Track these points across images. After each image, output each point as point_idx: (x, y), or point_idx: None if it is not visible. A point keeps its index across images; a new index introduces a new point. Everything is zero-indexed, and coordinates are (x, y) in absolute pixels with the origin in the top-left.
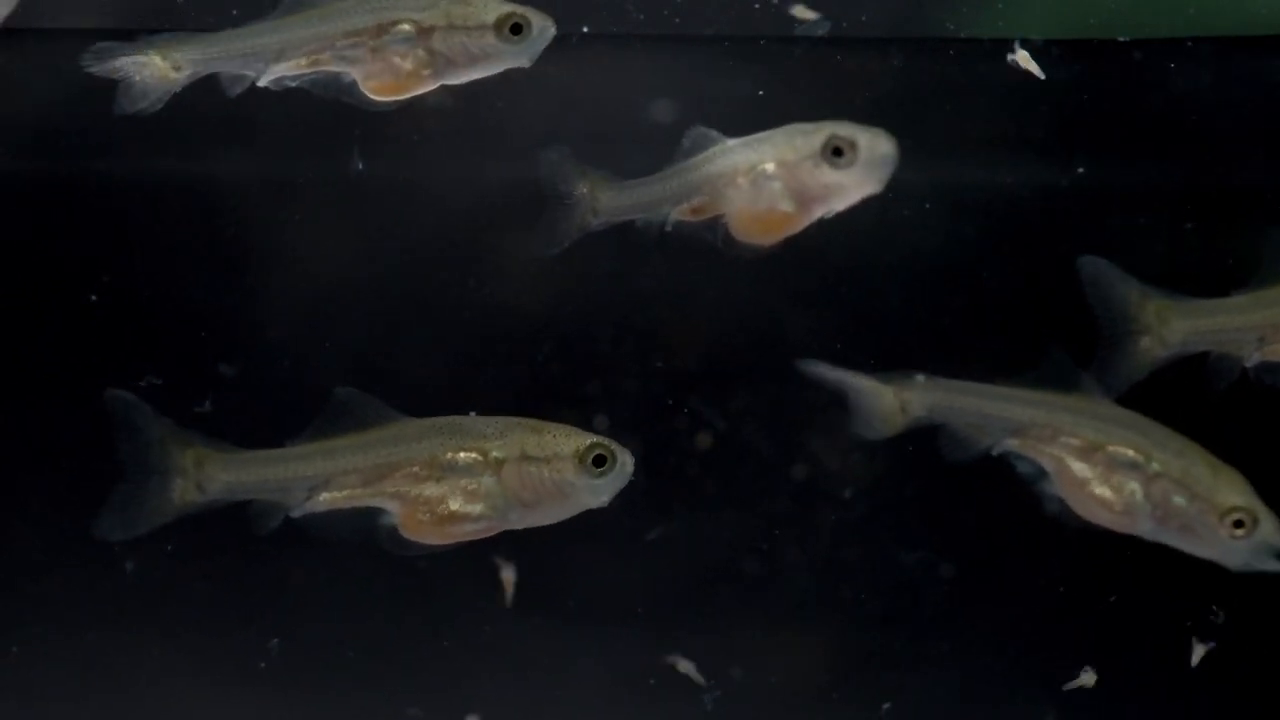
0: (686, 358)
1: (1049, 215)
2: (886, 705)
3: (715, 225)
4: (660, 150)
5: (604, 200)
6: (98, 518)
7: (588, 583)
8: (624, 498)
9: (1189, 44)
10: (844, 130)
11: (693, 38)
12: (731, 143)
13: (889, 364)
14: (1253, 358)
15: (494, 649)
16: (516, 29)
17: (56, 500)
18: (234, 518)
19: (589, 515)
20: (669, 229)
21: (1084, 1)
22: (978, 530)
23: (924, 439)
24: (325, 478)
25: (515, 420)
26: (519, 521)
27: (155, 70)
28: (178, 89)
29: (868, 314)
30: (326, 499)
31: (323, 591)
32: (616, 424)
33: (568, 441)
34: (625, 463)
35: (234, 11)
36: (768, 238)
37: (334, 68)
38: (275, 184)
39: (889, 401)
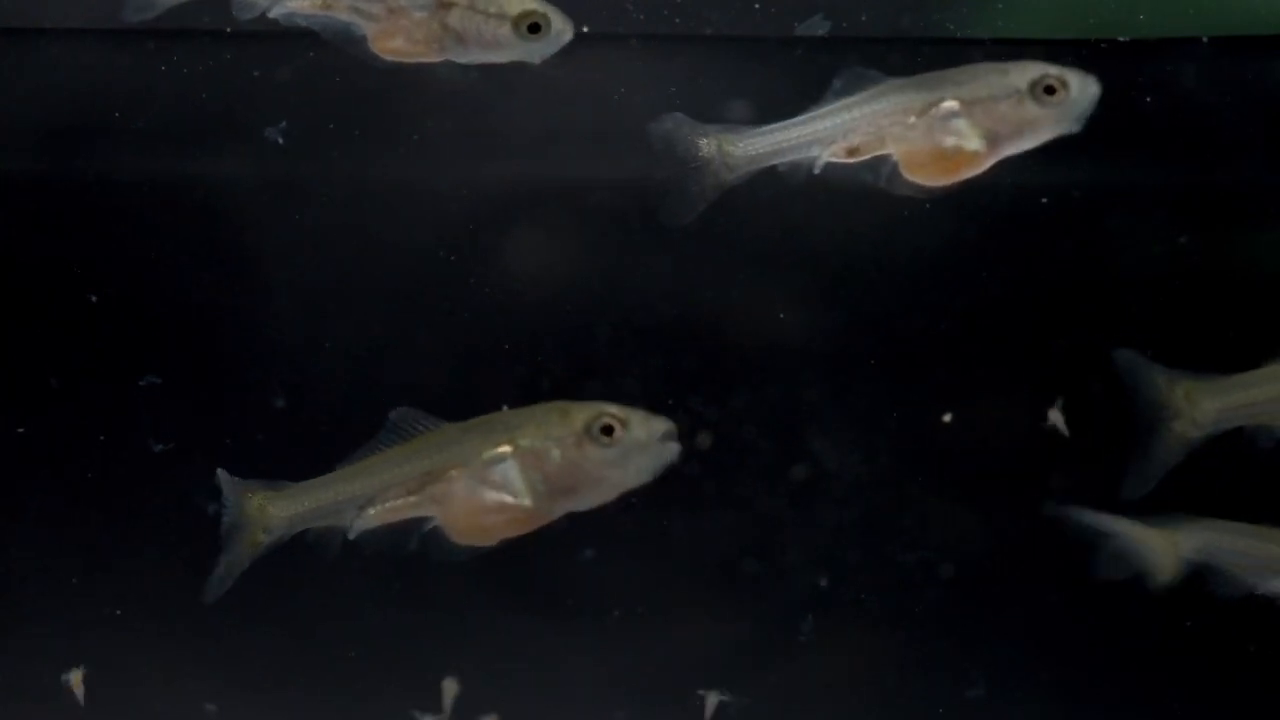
0: (686, 358)
1: (1049, 215)
2: (886, 704)
3: (878, 166)
4: (659, 151)
5: (736, 153)
6: (204, 587)
7: (588, 583)
8: (624, 498)
9: (1189, 44)
10: (1054, 69)
11: (693, 38)
12: (895, 81)
13: (889, 364)
14: None
15: (493, 649)
16: (534, 28)
17: (56, 500)
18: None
19: (590, 515)
20: (817, 172)
21: (1084, 1)
22: (978, 530)
23: (924, 438)
24: (371, 494)
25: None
26: (559, 505)
27: None
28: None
29: (868, 314)
30: (374, 514)
31: (323, 592)
32: None
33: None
34: None
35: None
36: (946, 178)
37: (346, 18)
38: (275, 184)
39: (1161, 545)
